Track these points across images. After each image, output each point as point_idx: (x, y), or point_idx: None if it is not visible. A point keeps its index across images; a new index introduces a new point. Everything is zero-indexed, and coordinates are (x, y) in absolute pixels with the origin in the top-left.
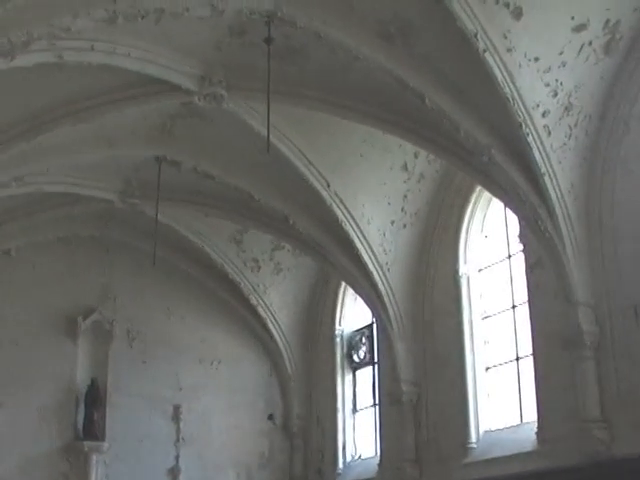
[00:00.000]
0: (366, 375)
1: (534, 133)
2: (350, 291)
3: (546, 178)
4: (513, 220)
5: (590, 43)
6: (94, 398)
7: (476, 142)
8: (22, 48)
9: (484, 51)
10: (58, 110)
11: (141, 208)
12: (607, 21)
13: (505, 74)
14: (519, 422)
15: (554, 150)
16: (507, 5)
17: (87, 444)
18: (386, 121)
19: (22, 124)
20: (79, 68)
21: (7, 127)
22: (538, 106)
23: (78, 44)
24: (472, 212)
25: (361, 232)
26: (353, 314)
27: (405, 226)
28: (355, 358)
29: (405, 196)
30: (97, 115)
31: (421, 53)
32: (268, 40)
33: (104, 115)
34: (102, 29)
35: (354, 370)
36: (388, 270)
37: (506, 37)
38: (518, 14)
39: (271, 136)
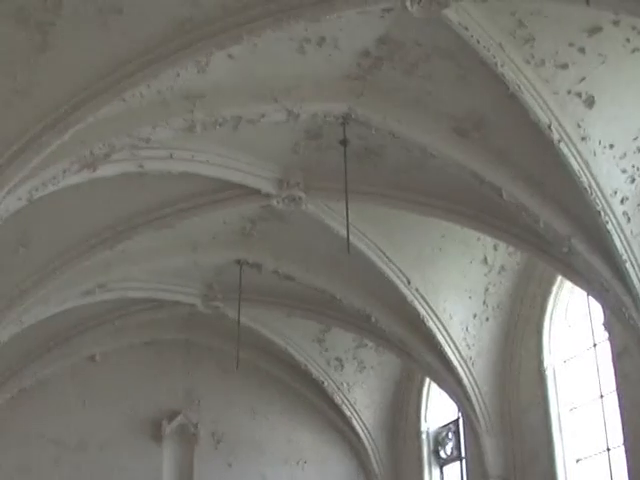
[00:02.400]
0: (454, 471)
1: (613, 220)
2: (435, 387)
3: (628, 265)
4: (597, 308)
5: None
6: None
7: (555, 233)
8: (103, 159)
9: (559, 141)
10: (139, 218)
11: (223, 311)
12: None
13: (581, 163)
14: None
15: (634, 236)
16: (579, 95)
17: None
18: (464, 215)
19: (105, 232)
20: (159, 176)
21: (90, 236)
22: (616, 193)
23: (158, 153)
24: (555, 302)
25: (444, 327)
26: (438, 410)
27: (488, 319)
28: (442, 454)
29: (486, 289)
30: (178, 221)
31: (496, 147)
32: (344, 142)
33: (185, 221)
34: (181, 138)
35: (441, 466)
36: (472, 364)
37: (580, 126)
38: (590, 102)
39: (351, 235)
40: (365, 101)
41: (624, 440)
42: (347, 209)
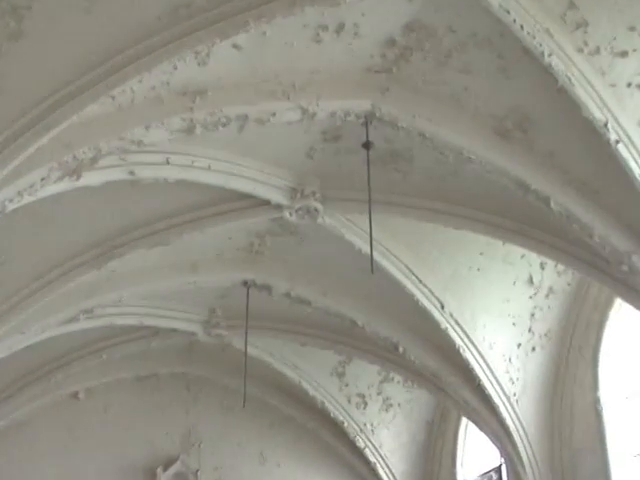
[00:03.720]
0: None
1: None
2: (473, 428)
3: None
4: None
5: None
6: None
7: (613, 248)
8: (89, 165)
9: (617, 142)
10: (131, 233)
11: (228, 340)
12: None
13: None
14: None
15: None
16: None
17: None
18: (506, 229)
19: (91, 250)
20: (154, 185)
21: (73, 255)
22: None
23: (152, 158)
24: (612, 329)
25: (483, 358)
26: (478, 455)
27: (534, 349)
28: None
29: (532, 314)
30: (175, 237)
31: (543, 149)
32: (367, 144)
33: (183, 237)
34: (178, 140)
35: None
36: (517, 402)
37: None
38: None
39: (375, 253)
40: (391, 97)
41: None
42: (370, 222)
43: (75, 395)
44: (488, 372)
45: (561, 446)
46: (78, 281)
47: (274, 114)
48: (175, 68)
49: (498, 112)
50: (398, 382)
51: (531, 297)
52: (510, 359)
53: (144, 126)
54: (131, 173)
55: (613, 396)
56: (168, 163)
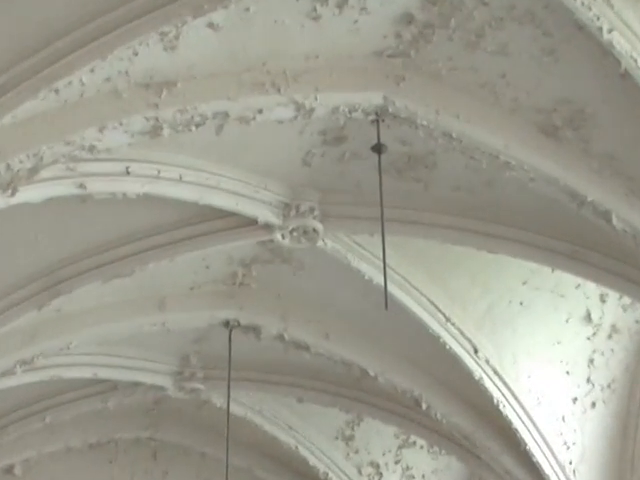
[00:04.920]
0: None
1: None
2: None
3: None
4: None
5: None
6: None
7: None
8: (27, 177)
9: None
10: (81, 262)
11: (205, 395)
12: None
13: None
14: None
15: None
16: None
17: None
18: (556, 253)
19: (30, 284)
20: (110, 201)
21: (9, 290)
22: None
23: (107, 167)
24: None
25: (528, 417)
26: None
27: (594, 405)
28: None
29: (591, 360)
30: (138, 267)
31: (602, 151)
32: (378, 147)
33: (148, 266)
34: (141, 145)
35: None
36: (573, 472)
37: None
38: None
39: (389, 283)
40: (408, 88)
41: None
42: (384, 245)
43: (10, 470)
44: (536, 434)
45: None
46: (14, 324)
47: (261, 111)
48: (135, 54)
49: (544, 105)
50: (421, 447)
51: (589, 338)
52: (564, 418)
53: (97, 127)
54: (81, 186)
55: None
56: (128, 174)
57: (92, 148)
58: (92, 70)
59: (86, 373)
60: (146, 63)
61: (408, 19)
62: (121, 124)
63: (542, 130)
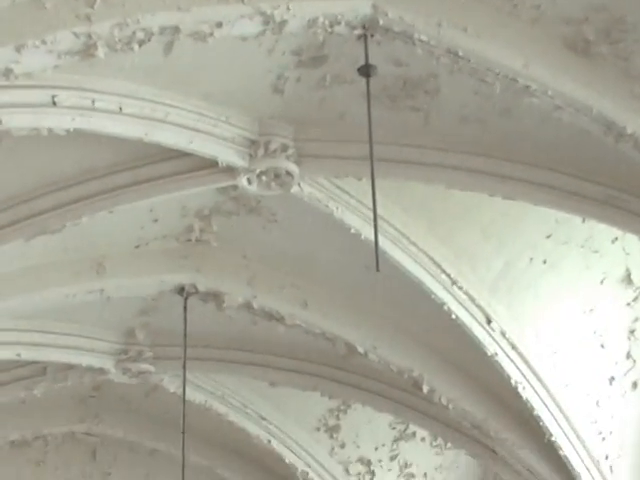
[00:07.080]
0: None
1: None
2: None
3: None
4: None
5: None
6: None
7: None
8: None
9: None
10: None
11: (156, 379)
12: None
13: None
14: None
15: None
16: None
17: None
18: (587, 198)
19: None
20: (33, 139)
21: None
22: None
23: (29, 97)
24: None
25: (554, 401)
26: None
27: (635, 386)
28: None
29: (631, 331)
30: (68, 221)
31: None
32: (366, 69)
33: (81, 220)
34: (70, 68)
35: None
36: (610, 469)
37: None
38: None
39: (381, 238)
40: None
41: None
42: (374, 191)
43: None
44: (563, 422)
45: None
46: None
47: (220, 24)
48: None
49: (572, 14)
50: (422, 439)
51: (629, 304)
52: (598, 402)
53: (14, 46)
54: None
55: None
56: (54, 104)
57: (8, 72)
58: None
59: (7, 353)
60: None
61: None
62: (44, 42)
63: (570, 46)
